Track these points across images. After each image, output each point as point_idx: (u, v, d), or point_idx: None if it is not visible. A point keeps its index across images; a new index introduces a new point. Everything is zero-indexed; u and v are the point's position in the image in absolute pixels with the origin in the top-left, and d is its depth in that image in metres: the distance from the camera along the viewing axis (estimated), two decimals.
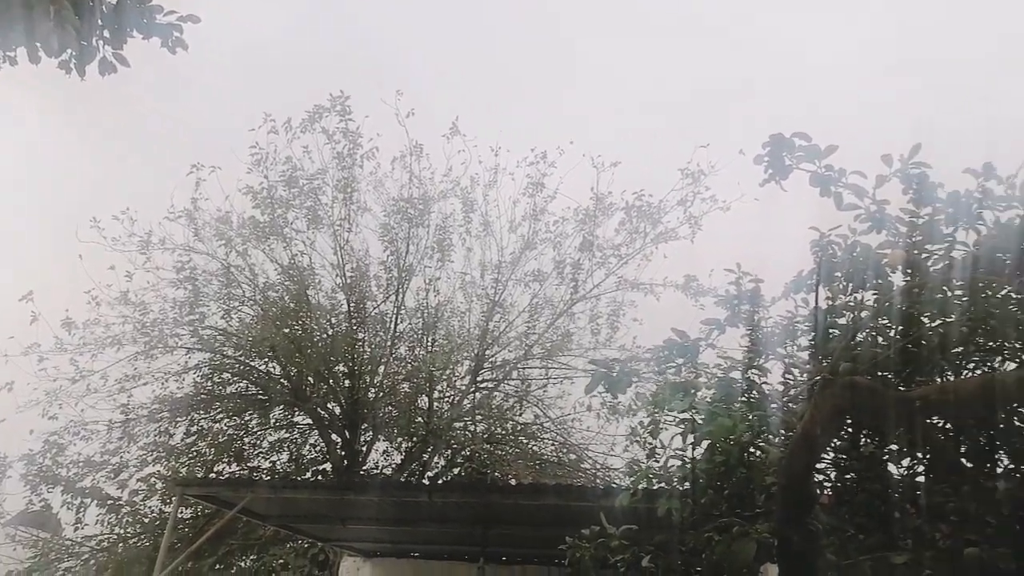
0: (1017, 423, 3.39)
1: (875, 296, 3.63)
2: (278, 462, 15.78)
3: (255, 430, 15.72)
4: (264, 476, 14.72)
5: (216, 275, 14.71)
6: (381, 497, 9.31)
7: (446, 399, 15.69)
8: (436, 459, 15.97)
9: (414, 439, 15.25)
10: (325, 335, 14.94)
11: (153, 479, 14.81)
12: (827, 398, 2.72)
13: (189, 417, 14.95)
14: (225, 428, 15.23)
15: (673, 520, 3.85)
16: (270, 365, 15.20)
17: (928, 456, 3.44)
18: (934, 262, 3.38)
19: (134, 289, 14.15)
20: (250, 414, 15.48)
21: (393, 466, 15.71)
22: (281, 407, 15.45)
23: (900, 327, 3.44)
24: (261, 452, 15.77)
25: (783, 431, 3.81)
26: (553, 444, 16.01)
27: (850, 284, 3.80)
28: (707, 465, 3.75)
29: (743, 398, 4.04)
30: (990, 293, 3.38)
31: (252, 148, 14.56)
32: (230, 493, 9.80)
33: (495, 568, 11.67)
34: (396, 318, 15.33)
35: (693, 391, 3.89)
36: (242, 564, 15.33)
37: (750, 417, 3.74)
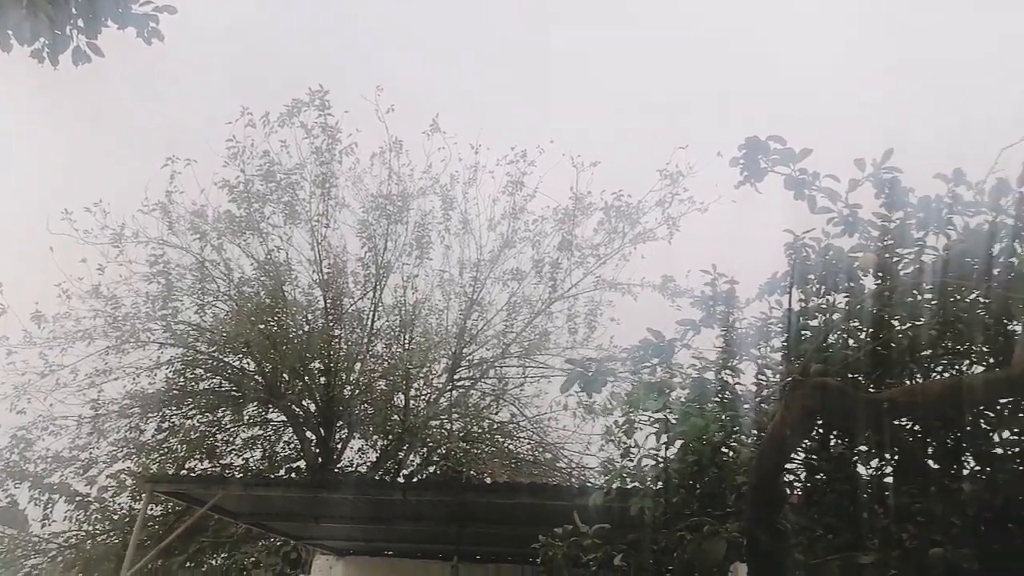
0: (984, 425, 3.45)
1: (847, 299, 3.67)
2: (251, 459, 15.63)
3: (228, 427, 15.56)
4: (237, 473, 14.57)
5: (190, 269, 14.54)
6: (355, 495, 9.25)
7: (423, 397, 15.64)
8: (412, 457, 15.92)
9: (390, 437, 15.18)
10: (301, 331, 14.81)
11: (123, 475, 14.62)
12: (797, 399, 2.75)
13: (160, 413, 14.76)
14: (197, 424, 15.06)
15: (646, 519, 3.87)
16: (244, 361, 15.05)
17: (896, 457, 3.48)
18: (904, 266, 3.43)
19: (106, 283, 13.97)
20: (223, 410, 15.32)
21: (368, 464, 15.64)
22: (255, 404, 15.30)
23: (871, 329, 3.48)
24: (234, 449, 15.61)
25: (755, 431, 3.84)
26: (529, 443, 16.03)
27: (823, 286, 3.84)
28: (680, 465, 3.77)
29: (716, 398, 4.07)
30: (959, 297, 3.43)
31: (229, 142, 14.42)
32: (201, 490, 9.68)
33: (469, 567, 11.65)
34: (373, 315, 15.26)
35: (667, 391, 3.91)
36: (213, 562, 15.18)
37: (723, 417, 3.77)
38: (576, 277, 15.42)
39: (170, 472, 13.63)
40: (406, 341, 15.25)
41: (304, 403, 15.12)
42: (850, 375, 3.48)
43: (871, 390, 3.52)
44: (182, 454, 14.71)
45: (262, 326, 14.22)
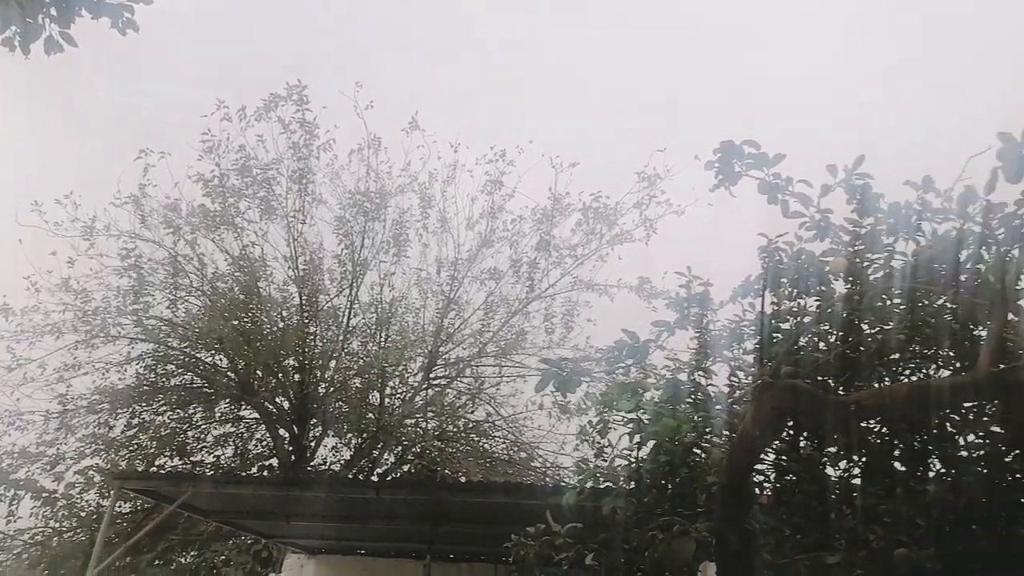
0: (950, 429, 3.52)
1: (818, 302, 3.73)
2: (223, 457, 15.48)
3: (199, 424, 15.39)
4: (208, 471, 14.42)
5: (163, 264, 14.35)
6: (328, 493, 9.18)
7: (398, 395, 15.58)
8: (386, 456, 15.86)
9: (364, 435, 15.10)
10: (275, 328, 14.68)
11: (91, 472, 14.39)
12: (767, 400, 2.78)
13: (130, 409, 14.56)
14: (168, 421, 14.87)
15: (618, 519, 3.89)
16: (217, 357, 14.88)
17: (864, 459, 3.54)
18: (874, 271, 3.48)
19: (76, 276, 13.75)
20: (194, 407, 15.15)
21: (342, 462, 15.55)
22: (227, 401, 15.14)
23: (840, 333, 3.54)
24: (205, 446, 15.45)
25: (727, 432, 3.88)
26: (504, 442, 16.05)
27: (795, 290, 3.89)
28: (652, 465, 3.79)
29: (689, 399, 4.10)
30: (927, 302, 3.50)
31: (204, 135, 14.23)
32: (170, 487, 9.56)
33: (442, 566, 11.63)
34: (349, 313, 15.18)
35: (641, 391, 3.94)
36: (182, 560, 15.01)
37: (695, 418, 3.80)
38: (553, 277, 15.49)
39: (139, 469, 13.45)
40: (382, 339, 15.18)
41: (277, 400, 14.99)
42: (820, 377, 3.53)
43: (840, 392, 3.57)
44: (152, 451, 14.51)
45: (235, 322, 14.07)
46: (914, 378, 3.63)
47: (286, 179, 14.69)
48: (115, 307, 13.98)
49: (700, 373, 4.20)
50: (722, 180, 3.10)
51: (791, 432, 3.70)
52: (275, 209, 14.58)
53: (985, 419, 3.35)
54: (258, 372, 14.67)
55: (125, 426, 14.63)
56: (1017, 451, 3.29)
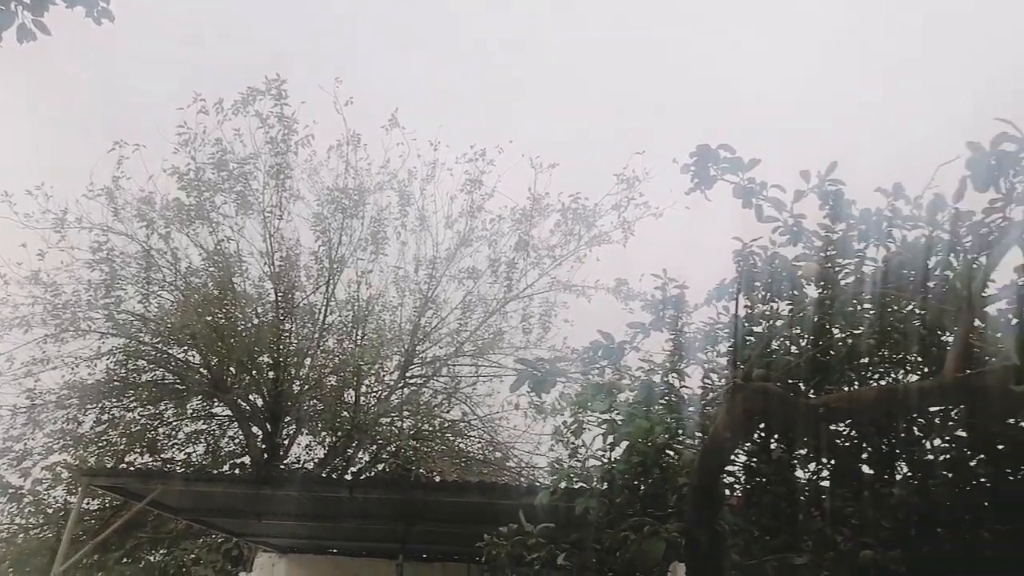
0: (917, 433, 3.57)
1: (790, 306, 3.77)
2: (194, 454, 15.31)
3: (171, 420, 15.21)
4: (178, 468, 14.25)
5: (135, 258, 14.15)
6: (300, 492, 9.11)
7: (374, 394, 15.50)
8: (360, 454, 15.78)
9: (339, 434, 15.01)
10: (250, 324, 14.54)
11: (58, 468, 14.17)
12: (738, 402, 2.81)
13: (100, 405, 14.35)
14: (138, 417, 14.69)
15: (590, 519, 3.90)
16: (189, 353, 14.71)
17: (832, 462, 3.58)
18: (845, 276, 3.53)
19: (46, 269, 13.52)
20: (166, 404, 14.97)
21: (316, 460, 15.43)
22: (199, 397, 14.97)
23: (812, 337, 3.58)
24: (176, 443, 15.27)
25: (699, 434, 3.91)
26: (480, 442, 16.04)
27: (768, 294, 3.93)
28: (625, 465, 3.81)
29: (663, 401, 4.13)
30: (896, 308, 3.55)
31: (180, 128, 14.05)
32: (139, 484, 9.41)
33: (416, 565, 11.59)
34: (325, 310, 15.07)
35: (615, 392, 3.95)
36: (151, 558, 14.82)
37: (668, 420, 3.83)
38: (532, 278, 15.51)
39: (108, 466, 13.25)
40: (358, 337, 15.09)
41: (251, 398, 14.85)
42: (791, 380, 3.56)
43: (811, 396, 3.61)
44: (122, 447, 14.32)
45: (209, 318, 13.91)
46: (883, 382, 3.68)
47: (263, 174, 14.57)
48: (86, 301, 13.77)
49: (674, 375, 4.23)
50: (697, 183, 3.12)
51: (762, 434, 3.73)
52: (251, 204, 14.45)
53: (951, 424, 3.40)
54: (231, 369, 14.52)
55: (94, 422, 14.43)
56: (981, 455, 3.35)
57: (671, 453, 3.79)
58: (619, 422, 3.86)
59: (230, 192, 14.32)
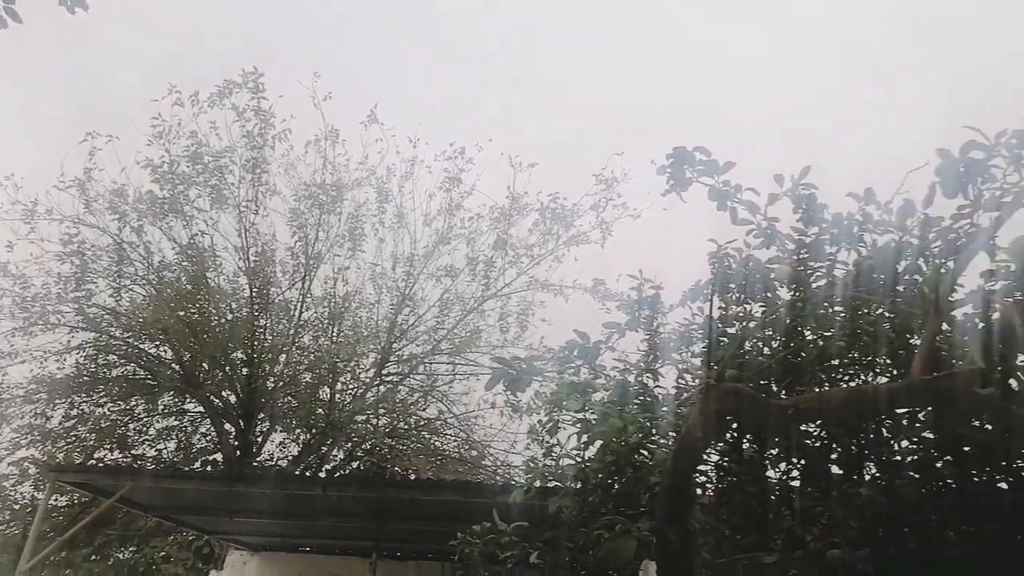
0: (885, 434, 3.63)
1: (763, 308, 3.81)
2: (165, 450, 15.12)
3: (141, 416, 15.01)
4: (149, 465, 14.06)
5: (107, 251, 13.93)
6: (273, 490, 9.03)
7: (349, 391, 15.42)
8: (335, 452, 15.68)
9: (313, 431, 14.91)
10: (224, 320, 14.38)
11: (26, 463, 13.92)
12: (710, 403, 2.83)
13: (69, 400, 14.12)
14: (108, 413, 14.47)
15: (563, 518, 3.92)
16: (161, 349, 14.52)
17: (802, 462, 3.63)
18: (817, 279, 3.57)
19: (15, 261, 13.27)
20: (137, 399, 14.77)
21: (289, 458, 15.31)
22: (171, 393, 14.78)
23: (784, 338, 3.62)
24: (147, 440, 15.08)
25: (673, 433, 3.93)
26: (456, 440, 16.02)
27: (742, 295, 3.97)
28: (598, 464, 3.83)
29: (637, 401, 4.15)
30: (866, 311, 3.60)
31: (154, 120, 13.85)
32: (108, 481, 9.28)
33: (390, 564, 11.55)
34: (301, 306, 14.95)
35: (590, 391, 3.97)
36: (120, 556, 14.61)
37: (641, 419, 3.85)
38: (510, 276, 15.53)
39: (77, 462, 13.04)
40: (334, 334, 15.00)
41: (224, 394, 14.70)
42: (763, 381, 3.60)
43: (783, 396, 3.65)
44: (91, 443, 14.10)
45: (182, 313, 13.74)
46: (853, 384, 3.73)
47: (239, 168, 14.40)
48: (56, 294, 13.54)
49: (648, 375, 4.25)
50: (673, 185, 3.14)
51: (735, 434, 3.77)
52: (227, 198, 14.29)
53: (918, 425, 3.46)
54: (204, 365, 14.36)
55: (63, 417, 14.21)
56: (948, 457, 3.41)
57: (644, 452, 3.81)
58: (593, 421, 3.87)
59: (205, 186, 14.16)
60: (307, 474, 14.00)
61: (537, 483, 4.23)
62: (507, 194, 15.23)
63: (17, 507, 14.06)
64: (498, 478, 14.41)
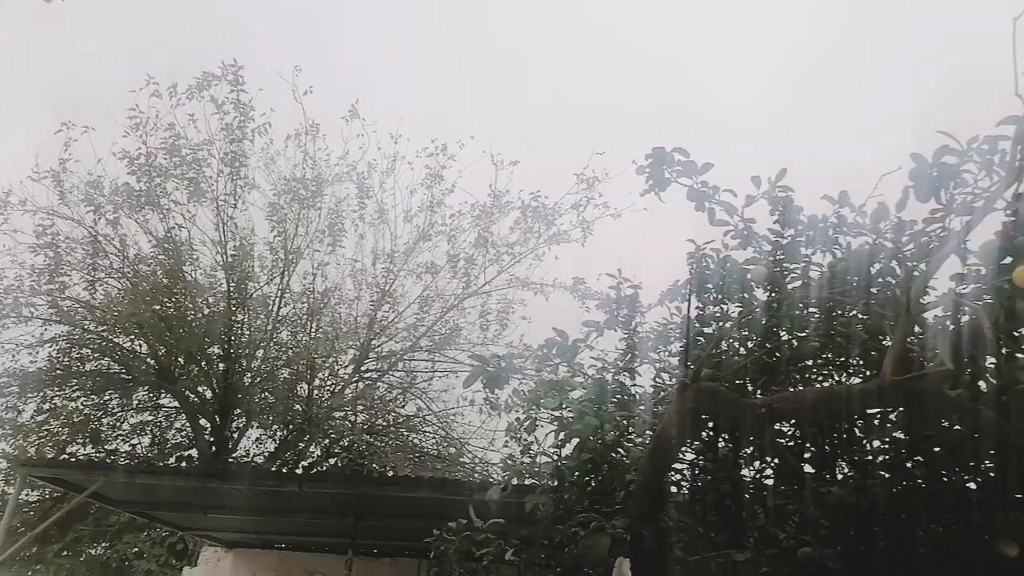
0: (857, 434, 3.68)
1: (740, 308, 3.84)
2: (139, 446, 14.94)
3: (115, 411, 14.83)
4: (123, 460, 13.90)
5: (81, 243, 13.73)
6: (249, 486, 8.98)
7: (327, 388, 15.34)
8: (312, 448, 15.60)
9: (290, 427, 14.81)
10: (200, 315, 14.23)
11: None
12: (685, 401, 2.86)
13: (41, 393, 13.92)
14: (81, 407, 14.27)
15: (539, 515, 3.93)
16: (136, 343, 14.34)
17: (776, 461, 3.67)
18: (793, 280, 3.61)
19: None
20: (111, 394, 14.58)
21: (266, 454, 15.20)
22: (146, 388, 14.61)
23: (759, 338, 3.66)
24: (121, 435, 14.89)
25: (649, 432, 3.96)
26: (434, 437, 16.01)
27: (719, 296, 4.01)
28: (574, 462, 3.85)
29: (614, 399, 4.17)
30: (840, 312, 3.64)
31: (131, 111, 13.66)
32: (81, 476, 9.18)
33: (366, 561, 11.51)
34: (279, 301, 14.83)
35: (567, 389, 3.98)
36: (92, 552, 14.43)
37: (618, 417, 3.87)
38: (490, 274, 15.52)
39: (49, 456, 12.86)
40: (313, 330, 14.90)
41: (200, 389, 14.54)
42: (739, 381, 3.64)
43: (758, 396, 3.69)
44: (63, 438, 13.90)
45: (158, 307, 13.58)
46: (826, 384, 3.78)
47: (217, 161, 14.24)
48: (28, 286, 13.34)
49: (626, 374, 4.28)
50: (652, 185, 3.16)
51: (710, 433, 3.81)
52: (204, 192, 14.12)
53: (889, 426, 3.51)
54: (180, 360, 14.21)
55: (35, 411, 14.02)
56: (918, 457, 3.46)
57: (620, 451, 3.84)
58: (570, 419, 3.89)
59: (182, 178, 13.97)
60: (284, 470, 13.92)
61: (514, 480, 4.25)
62: (489, 191, 15.24)
63: None
64: (476, 475, 14.42)
